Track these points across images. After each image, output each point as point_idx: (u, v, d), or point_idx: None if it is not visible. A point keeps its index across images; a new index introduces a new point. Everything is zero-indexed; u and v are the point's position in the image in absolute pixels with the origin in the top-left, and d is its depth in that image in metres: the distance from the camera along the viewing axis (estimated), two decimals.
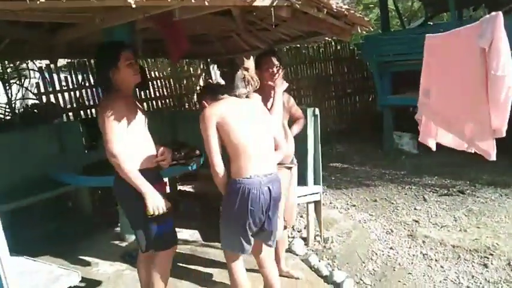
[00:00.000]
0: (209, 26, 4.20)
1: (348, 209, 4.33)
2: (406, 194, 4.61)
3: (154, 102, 5.87)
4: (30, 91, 5.01)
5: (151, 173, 2.26)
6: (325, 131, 7.92)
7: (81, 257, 3.41)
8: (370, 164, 5.90)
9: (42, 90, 4.91)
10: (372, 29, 3.34)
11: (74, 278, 2.26)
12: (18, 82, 4.95)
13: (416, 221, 3.86)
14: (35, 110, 5.04)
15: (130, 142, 2.16)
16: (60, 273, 2.26)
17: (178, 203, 4.85)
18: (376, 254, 3.33)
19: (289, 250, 3.41)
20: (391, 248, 3.39)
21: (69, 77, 5.19)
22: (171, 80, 6.08)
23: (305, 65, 7.78)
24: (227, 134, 2.13)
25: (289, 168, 2.81)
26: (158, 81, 6.00)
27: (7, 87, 4.82)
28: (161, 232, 2.24)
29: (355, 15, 2.80)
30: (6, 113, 4.72)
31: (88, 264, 3.34)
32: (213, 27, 4.30)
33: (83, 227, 4.12)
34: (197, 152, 3.47)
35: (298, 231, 3.87)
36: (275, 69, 2.65)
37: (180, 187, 5.37)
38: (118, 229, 3.91)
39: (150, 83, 5.81)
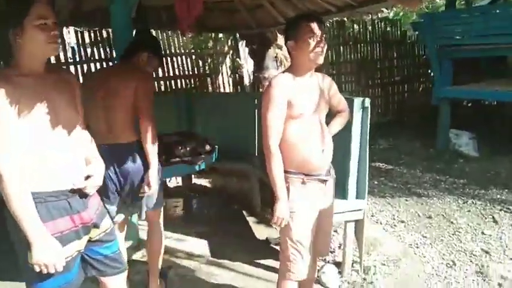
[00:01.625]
0: None
1: (395, 225, 3.47)
2: (469, 211, 3.69)
3: (171, 82, 5.14)
4: None
5: (58, 199, 1.50)
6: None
7: None
8: (421, 167, 4.96)
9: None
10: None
11: None
12: None
13: (487, 252, 2.96)
14: None
15: (29, 151, 1.42)
16: None
17: (190, 200, 4.16)
18: None
19: (317, 281, 2.64)
20: None
21: (76, 48, 4.53)
22: (193, 58, 5.32)
23: (349, 46, 6.83)
24: None
25: (323, 181, 2.00)
26: (178, 58, 5.25)
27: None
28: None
29: None
30: None
31: None
32: None
33: None
34: (207, 147, 2.71)
35: (330, 252, 3.07)
36: (319, 41, 1.80)
37: (195, 180, 4.68)
38: None
39: (167, 59, 5.10)
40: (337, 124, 2.18)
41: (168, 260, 2.94)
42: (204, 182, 4.73)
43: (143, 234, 3.28)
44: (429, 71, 7.12)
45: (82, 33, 4.54)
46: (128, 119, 2.12)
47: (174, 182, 4.58)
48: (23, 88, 1.39)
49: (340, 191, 2.66)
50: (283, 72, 1.95)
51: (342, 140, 2.52)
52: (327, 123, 2.10)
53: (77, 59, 4.50)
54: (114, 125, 2.12)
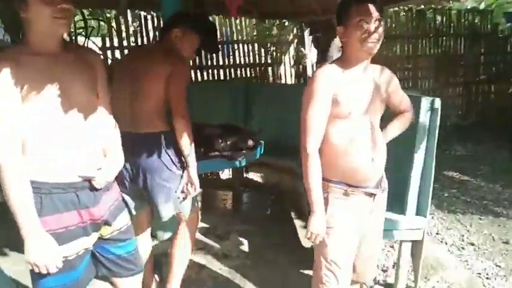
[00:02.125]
0: None
1: (463, 248, 3.00)
2: None
3: (230, 70, 4.97)
4: (95, 43, 4.49)
5: (65, 192, 1.37)
6: (444, 125, 6.32)
7: None
8: (502, 180, 4.30)
9: (108, 45, 4.34)
10: None
11: None
12: (83, 34, 4.45)
13: None
14: None
15: (35, 137, 1.30)
16: None
17: (239, 194, 4.00)
18: None
19: None
20: None
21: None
22: (255, 45, 5.10)
23: (428, 39, 6.16)
24: None
25: (371, 195, 1.68)
26: (240, 45, 5.06)
27: (72, 40, 4.34)
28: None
29: None
30: None
31: None
32: None
33: None
34: (250, 142, 2.49)
35: (382, 271, 2.72)
36: (373, 26, 1.49)
37: (246, 174, 4.50)
38: None
39: (226, 46, 4.92)
40: (396, 128, 1.84)
41: (204, 257, 2.80)
42: (257, 176, 4.54)
43: None
44: None
45: (146, 17, 4.52)
46: (153, 108, 1.91)
47: (226, 173, 4.45)
48: (30, 68, 1.27)
49: (398, 205, 2.31)
50: (331, 63, 1.66)
51: (404, 145, 2.16)
52: (383, 126, 1.78)
53: (139, 43, 4.50)
54: (138, 113, 1.91)
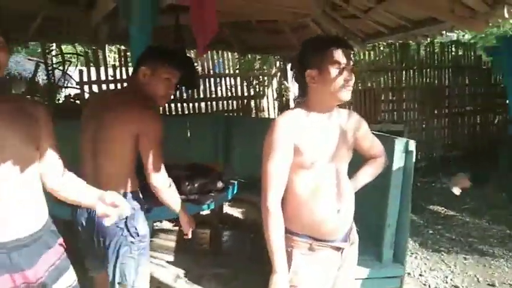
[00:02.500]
0: (275, 11, 3.07)
1: None
2: None
3: (212, 103, 4.92)
4: (72, 77, 4.44)
5: None
6: (430, 157, 6.30)
7: None
8: (488, 216, 4.21)
9: (86, 79, 4.26)
10: None
11: None
12: (60, 68, 4.40)
13: None
14: (77, 101, 4.45)
15: None
16: None
17: (217, 232, 3.84)
18: None
19: None
20: None
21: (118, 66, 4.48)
22: (238, 79, 5.07)
23: (413, 71, 6.19)
24: None
25: (338, 249, 1.56)
26: (222, 79, 5.03)
27: (50, 73, 4.28)
28: None
29: None
30: (45, 102, 4.19)
31: None
32: (281, 12, 3.15)
33: None
34: (219, 184, 2.38)
35: None
36: (350, 73, 1.44)
37: (226, 209, 4.37)
38: None
39: (207, 80, 4.88)
40: (367, 174, 1.74)
41: None
42: (237, 212, 4.41)
43: (152, 268, 3.03)
44: (507, 101, 6.26)
45: (125, 51, 4.49)
46: (116, 171, 1.72)
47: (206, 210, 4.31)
48: None
49: (374, 252, 2.21)
50: (294, 108, 1.57)
51: (379, 189, 2.07)
52: (354, 172, 1.68)
53: (117, 77, 4.44)
54: (98, 173, 1.72)
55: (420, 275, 3.08)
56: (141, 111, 1.69)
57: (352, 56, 1.46)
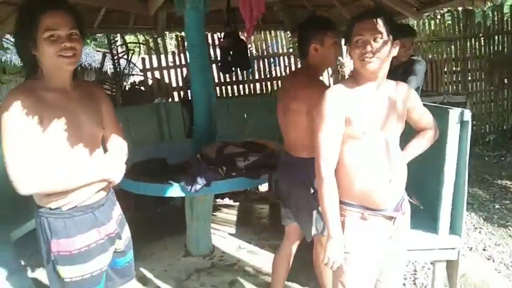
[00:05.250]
0: None
1: None
2: None
3: (267, 83, 5.00)
4: (136, 65, 4.73)
5: (84, 213, 1.49)
6: (500, 129, 5.91)
7: None
8: None
9: (148, 66, 4.54)
10: None
11: None
12: (125, 57, 4.71)
13: None
14: (142, 87, 4.75)
15: (53, 167, 1.38)
16: None
17: (275, 208, 3.98)
18: None
19: None
20: None
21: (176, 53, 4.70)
22: (291, 58, 5.09)
23: (478, 39, 5.80)
24: None
25: (390, 218, 1.60)
26: (276, 58, 5.08)
27: (116, 62, 4.61)
28: None
29: None
30: (113, 89, 4.53)
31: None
32: None
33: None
34: (273, 159, 2.48)
35: None
36: (370, 43, 1.43)
37: None
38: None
39: (262, 60, 4.95)
40: (416, 146, 1.73)
41: (234, 274, 2.82)
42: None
43: (215, 240, 3.25)
44: None
45: (183, 37, 4.69)
46: (301, 138, 1.97)
47: (264, 186, 4.45)
48: (46, 103, 1.36)
49: (430, 224, 2.19)
50: (344, 81, 1.61)
51: (433, 161, 2.06)
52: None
53: (177, 63, 4.67)
54: (292, 139, 2.04)
55: (484, 249, 3.00)
56: (306, 86, 1.92)
57: (382, 25, 1.43)
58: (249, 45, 4.64)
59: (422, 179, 2.23)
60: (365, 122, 1.51)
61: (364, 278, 1.60)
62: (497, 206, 3.70)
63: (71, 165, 1.42)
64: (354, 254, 1.57)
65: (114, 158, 1.59)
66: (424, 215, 2.16)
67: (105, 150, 1.62)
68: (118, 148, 1.64)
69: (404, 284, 2.63)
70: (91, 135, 1.51)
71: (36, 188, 1.34)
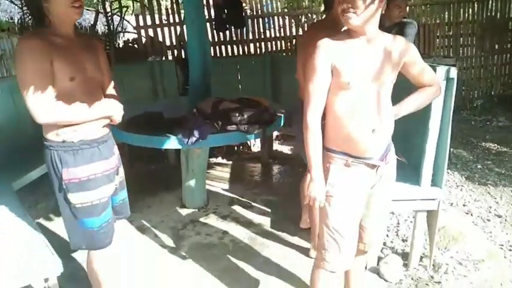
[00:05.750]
0: None
1: (489, 220, 2.95)
2: None
3: (261, 44, 5.00)
4: (129, 23, 4.69)
5: (91, 147, 1.70)
6: (488, 95, 6.03)
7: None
8: None
9: (142, 24, 4.51)
10: None
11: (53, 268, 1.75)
12: (118, 14, 4.66)
13: None
14: (135, 45, 4.74)
15: (63, 104, 1.58)
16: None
17: (268, 168, 4.13)
18: None
19: (376, 270, 2.41)
20: None
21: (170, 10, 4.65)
22: (286, 19, 5.07)
23: (472, 4, 5.81)
24: None
25: (373, 166, 1.71)
26: (270, 19, 5.06)
27: (109, 20, 4.56)
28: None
29: None
30: (107, 47, 4.51)
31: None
32: None
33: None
34: (267, 115, 2.58)
35: (402, 240, 2.76)
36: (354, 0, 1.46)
37: (277, 146, 4.61)
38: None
39: (256, 20, 4.93)
40: (414, 101, 1.75)
41: (228, 224, 2.97)
42: (286, 149, 4.64)
43: (210, 195, 3.39)
44: None
45: None
46: None
47: (258, 146, 4.57)
48: (56, 46, 1.54)
49: (413, 176, 2.33)
50: (338, 34, 1.67)
51: (418, 115, 2.15)
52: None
53: (171, 21, 4.63)
54: None
55: (464, 205, 3.18)
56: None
57: None
58: (244, 4, 4.62)
59: (408, 133, 2.34)
60: (354, 73, 1.56)
61: (347, 220, 1.71)
62: (479, 166, 3.87)
63: (78, 101, 1.59)
64: (337, 197, 1.67)
65: (113, 100, 1.77)
66: (408, 168, 2.29)
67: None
68: (115, 93, 1.84)
69: (387, 235, 2.80)
70: (92, 78, 1.69)
71: (52, 117, 1.53)
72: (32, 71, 1.47)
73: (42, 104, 1.49)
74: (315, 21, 5.06)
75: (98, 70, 1.73)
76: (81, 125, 1.63)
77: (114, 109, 1.74)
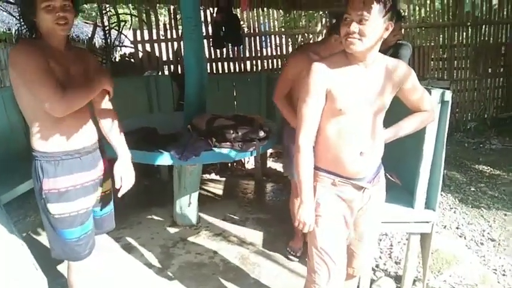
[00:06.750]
0: None
1: (482, 243, 2.93)
2: None
3: (257, 62, 5.03)
4: (127, 37, 4.70)
5: (72, 157, 1.69)
6: (481, 118, 6.09)
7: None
8: None
9: (139, 39, 4.53)
10: None
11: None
12: (116, 28, 4.68)
13: None
14: (132, 60, 4.75)
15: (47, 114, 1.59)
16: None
17: (260, 184, 4.10)
18: None
19: None
20: None
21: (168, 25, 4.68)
22: (283, 37, 5.12)
23: (466, 28, 5.91)
24: None
25: (360, 188, 1.68)
26: (267, 37, 5.11)
27: (106, 34, 4.58)
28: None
29: None
30: (103, 60, 4.51)
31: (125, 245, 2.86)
32: None
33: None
34: (261, 133, 2.56)
35: (395, 263, 2.73)
36: (355, 23, 1.43)
37: (271, 163, 4.59)
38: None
39: (253, 39, 4.97)
40: (411, 123, 1.74)
41: (219, 243, 2.93)
42: (279, 166, 4.62)
43: (201, 212, 3.34)
44: None
45: (175, 11, 4.67)
46: None
47: (252, 163, 4.55)
48: (49, 56, 1.56)
49: (407, 198, 2.31)
50: (333, 55, 1.66)
51: (413, 138, 2.15)
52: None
53: (168, 37, 4.65)
54: None
55: (457, 227, 3.16)
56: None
57: (371, 7, 1.40)
58: (242, 22, 4.66)
59: (402, 155, 2.34)
60: (348, 100, 1.54)
61: (335, 240, 1.68)
62: (472, 189, 3.87)
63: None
64: (324, 217, 1.65)
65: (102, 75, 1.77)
66: (402, 190, 2.28)
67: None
68: (110, 106, 1.87)
69: (380, 257, 2.77)
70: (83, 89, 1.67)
71: (68, 105, 1.55)
72: (35, 67, 1.48)
73: (60, 99, 1.50)
74: (311, 41, 5.12)
75: (86, 84, 1.72)
76: (66, 136, 1.64)
77: (106, 82, 1.74)
